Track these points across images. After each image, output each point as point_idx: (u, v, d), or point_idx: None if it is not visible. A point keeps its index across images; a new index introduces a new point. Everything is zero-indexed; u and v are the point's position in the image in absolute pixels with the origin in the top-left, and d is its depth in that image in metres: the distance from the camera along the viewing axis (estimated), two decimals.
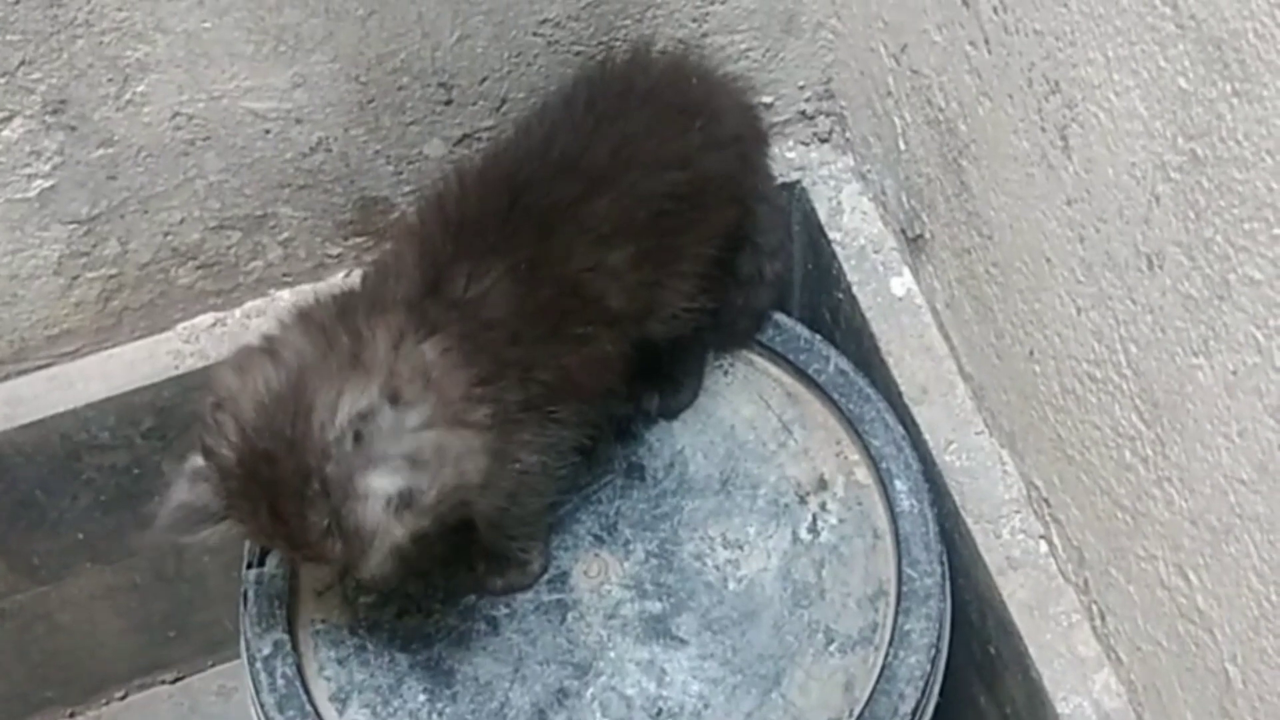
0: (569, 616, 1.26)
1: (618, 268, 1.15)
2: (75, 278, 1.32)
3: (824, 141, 1.47)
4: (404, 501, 1.01)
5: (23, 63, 1.16)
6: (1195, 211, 0.89)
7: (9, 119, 1.19)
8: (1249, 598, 0.96)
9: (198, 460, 1.06)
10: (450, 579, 1.26)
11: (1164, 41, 0.88)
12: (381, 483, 1.01)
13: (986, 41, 1.09)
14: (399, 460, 1.02)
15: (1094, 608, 1.19)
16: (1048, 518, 1.23)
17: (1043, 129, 1.04)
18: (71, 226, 1.28)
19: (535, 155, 1.17)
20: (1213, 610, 1.01)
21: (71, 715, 1.72)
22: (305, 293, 1.40)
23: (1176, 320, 0.95)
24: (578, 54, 1.30)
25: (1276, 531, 0.90)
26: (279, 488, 1.02)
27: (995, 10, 1.07)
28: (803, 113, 1.45)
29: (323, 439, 1.01)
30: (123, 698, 1.73)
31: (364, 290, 1.14)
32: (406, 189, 1.36)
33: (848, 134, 1.44)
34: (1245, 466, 0.92)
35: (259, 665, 1.22)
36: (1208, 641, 1.03)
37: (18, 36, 1.14)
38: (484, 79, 1.30)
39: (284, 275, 1.40)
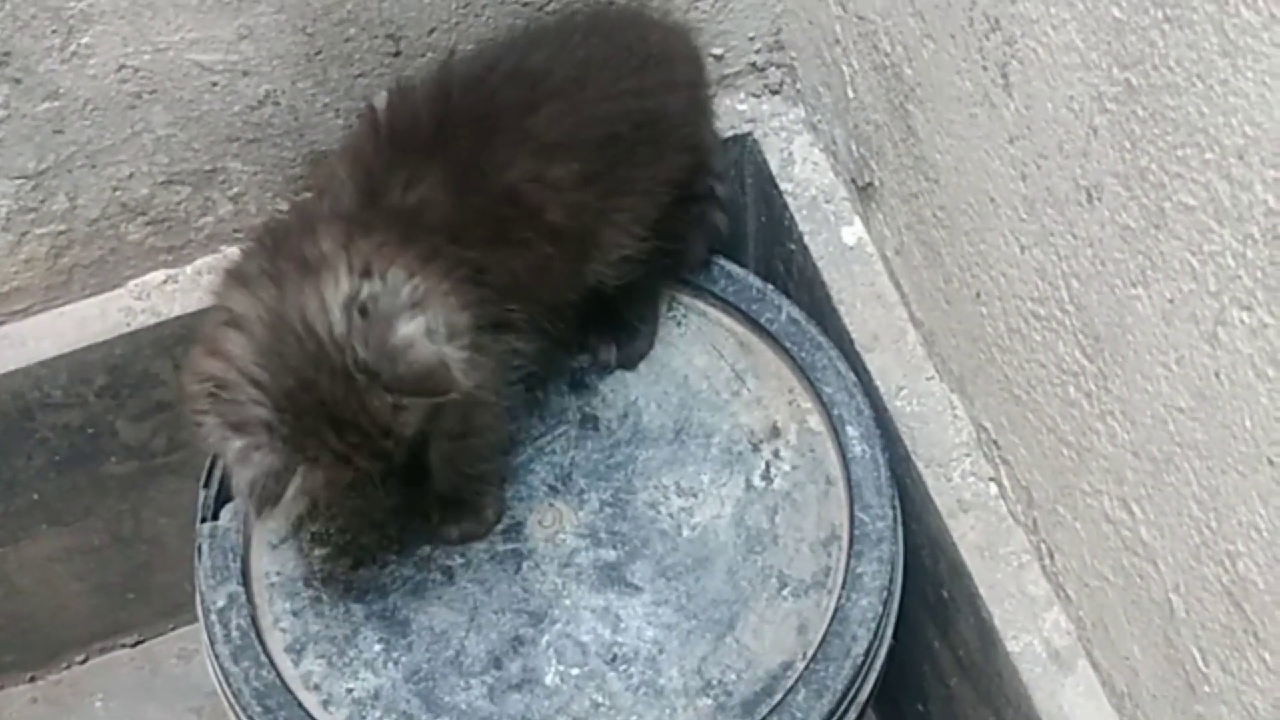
0: (524, 565, 1.26)
1: (560, 182, 1.15)
2: (24, 234, 1.31)
3: (774, 93, 1.47)
4: (439, 331, 1.05)
5: None
6: (1131, 141, 0.90)
7: None
8: (1190, 526, 0.97)
9: (235, 440, 1.05)
10: (405, 530, 1.27)
11: None
12: (408, 327, 1.04)
13: None
14: (407, 309, 1.05)
15: (1043, 547, 1.21)
16: (997, 459, 1.25)
17: (984, 68, 1.05)
18: (19, 181, 1.27)
19: (483, 65, 1.19)
20: (1156, 541, 1.02)
21: (31, 679, 1.72)
22: None
23: (1115, 252, 0.96)
24: (525, 4, 1.30)
25: (1215, 458, 0.92)
26: (333, 405, 1.04)
27: None
28: (753, 64, 1.45)
29: (337, 339, 1.03)
30: (83, 661, 1.73)
31: (296, 214, 1.16)
32: None
33: (798, 85, 1.45)
34: (1183, 394, 0.93)
35: (214, 617, 1.22)
36: (1151, 573, 1.04)
37: None
38: (432, 30, 1.30)
39: (235, 231, 1.39)
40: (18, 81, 1.20)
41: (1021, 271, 1.09)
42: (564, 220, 1.16)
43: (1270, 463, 0.86)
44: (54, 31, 1.18)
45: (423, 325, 1.05)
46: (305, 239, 1.08)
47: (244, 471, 1.05)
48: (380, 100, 1.19)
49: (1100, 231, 0.97)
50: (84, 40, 1.20)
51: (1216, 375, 0.88)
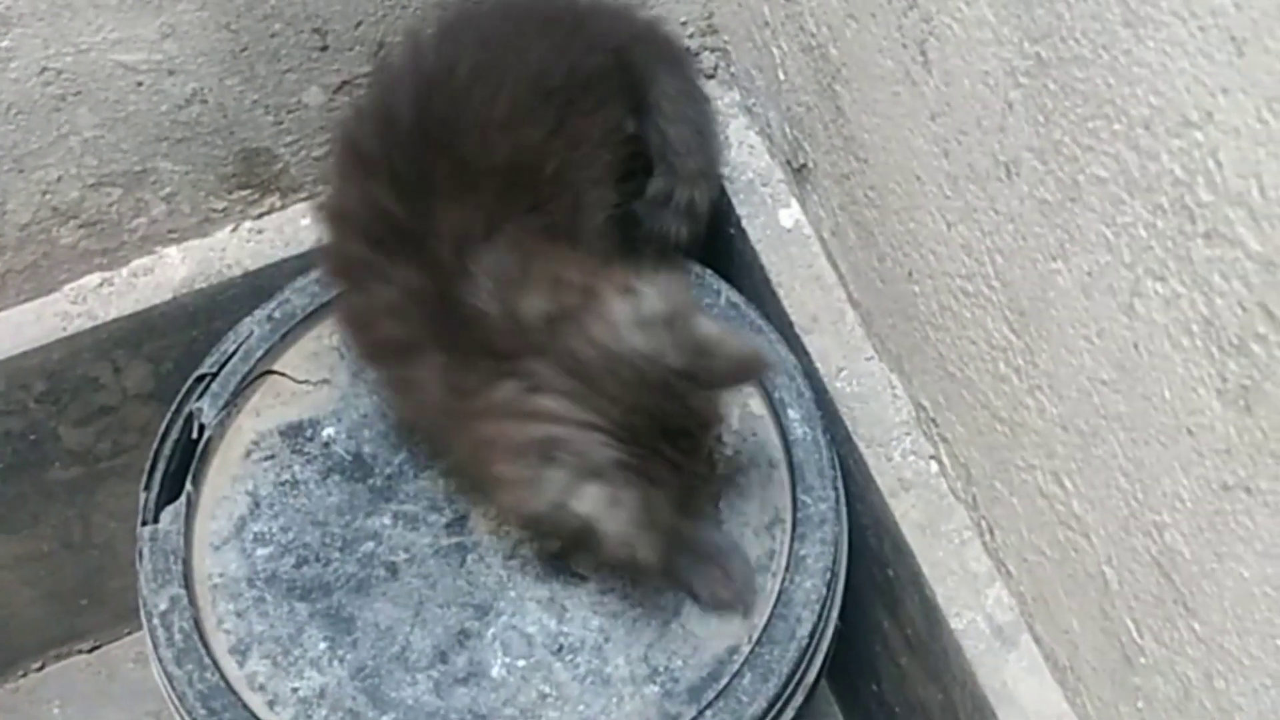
0: (468, 559, 1.26)
1: (532, 141, 1.15)
2: None
3: (710, 78, 1.47)
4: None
5: None
6: (1044, 115, 0.90)
7: None
8: (1118, 498, 0.97)
9: (592, 486, 1.04)
10: (349, 527, 1.26)
11: None
12: (704, 324, 1.07)
13: None
14: (681, 305, 1.06)
15: (983, 523, 1.21)
16: (936, 437, 1.25)
17: (904, 45, 1.05)
18: None
19: (406, 70, 1.18)
20: (1087, 514, 1.02)
21: None
22: (192, 249, 1.40)
23: (1035, 226, 0.95)
24: None
25: (1138, 430, 0.92)
26: (663, 419, 1.05)
27: None
28: (687, 49, 1.44)
29: (648, 355, 1.04)
30: (40, 669, 1.73)
31: (438, 351, 1.11)
32: (288, 139, 1.35)
33: (732, 68, 1.44)
34: (1106, 367, 0.93)
35: (156, 621, 1.21)
36: (1085, 546, 1.04)
37: None
38: (359, 23, 1.29)
39: (169, 231, 1.38)
40: None
41: (949, 249, 1.09)
42: (559, 173, 1.16)
43: (1190, 433, 0.86)
44: None
45: (708, 319, 1.08)
46: (503, 319, 1.07)
47: (618, 514, 1.05)
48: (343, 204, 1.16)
49: (1020, 206, 0.96)
50: (3, 44, 1.19)
51: (1135, 347, 0.88)
